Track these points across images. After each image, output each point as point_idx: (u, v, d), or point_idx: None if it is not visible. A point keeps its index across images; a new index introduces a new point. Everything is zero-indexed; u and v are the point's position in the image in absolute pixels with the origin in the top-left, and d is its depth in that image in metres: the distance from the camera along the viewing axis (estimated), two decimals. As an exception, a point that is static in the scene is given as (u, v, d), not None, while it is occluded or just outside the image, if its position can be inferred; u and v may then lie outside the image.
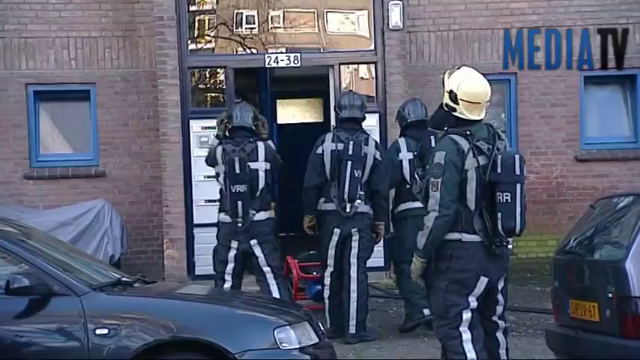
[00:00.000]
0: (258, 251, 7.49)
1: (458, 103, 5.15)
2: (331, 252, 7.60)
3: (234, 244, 7.49)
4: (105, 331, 4.97)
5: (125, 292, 5.41)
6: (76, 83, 10.29)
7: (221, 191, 7.60)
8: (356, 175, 7.49)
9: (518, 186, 5.05)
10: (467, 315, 5.12)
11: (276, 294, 7.42)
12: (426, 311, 7.76)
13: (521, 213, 5.03)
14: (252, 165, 7.47)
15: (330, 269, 7.66)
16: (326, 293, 7.69)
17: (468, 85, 5.18)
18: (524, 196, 5.06)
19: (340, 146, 7.53)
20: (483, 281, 5.10)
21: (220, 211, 7.61)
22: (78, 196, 10.09)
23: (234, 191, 7.37)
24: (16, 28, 10.19)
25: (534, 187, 10.41)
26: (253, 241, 7.47)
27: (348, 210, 7.49)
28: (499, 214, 5.01)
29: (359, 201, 7.51)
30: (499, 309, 5.30)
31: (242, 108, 7.80)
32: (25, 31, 10.20)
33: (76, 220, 9.50)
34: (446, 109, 5.22)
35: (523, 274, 9.91)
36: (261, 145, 7.62)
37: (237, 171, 7.37)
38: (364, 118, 7.86)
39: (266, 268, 7.51)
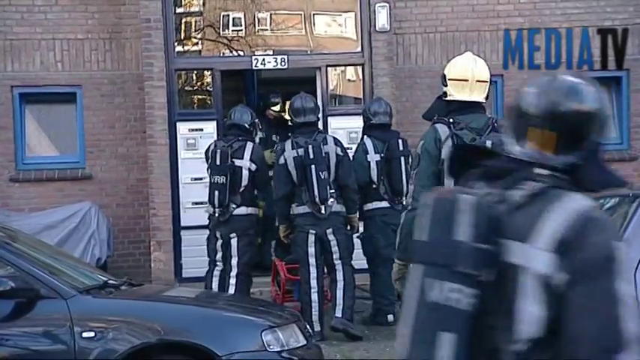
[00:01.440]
0: (233, 242, 7.87)
1: (447, 85, 4.77)
2: (311, 250, 7.67)
3: (218, 234, 7.93)
4: (92, 334, 4.96)
5: (112, 295, 5.40)
6: (62, 85, 10.24)
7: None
8: (322, 177, 7.59)
9: None
10: None
11: (231, 287, 7.80)
12: (390, 317, 8.12)
13: None
14: (237, 162, 7.88)
15: (314, 272, 7.67)
16: (315, 297, 7.68)
17: (455, 63, 4.86)
18: None
19: (301, 151, 7.63)
20: None
21: (208, 202, 8.02)
22: (64, 199, 10.04)
23: (213, 181, 7.87)
24: (1, 30, 10.13)
25: (521, 189, 10.45)
26: (232, 234, 7.86)
27: (323, 212, 7.61)
28: None
29: (332, 200, 7.63)
30: None
31: (240, 109, 8.30)
32: (11, 33, 10.14)
33: (62, 222, 9.46)
34: (441, 99, 4.86)
35: None
36: (249, 145, 7.96)
37: (218, 162, 7.84)
38: (318, 119, 8.02)
39: (234, 260, 7.86)
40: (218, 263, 7.96)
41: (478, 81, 4.72)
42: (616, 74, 10.60)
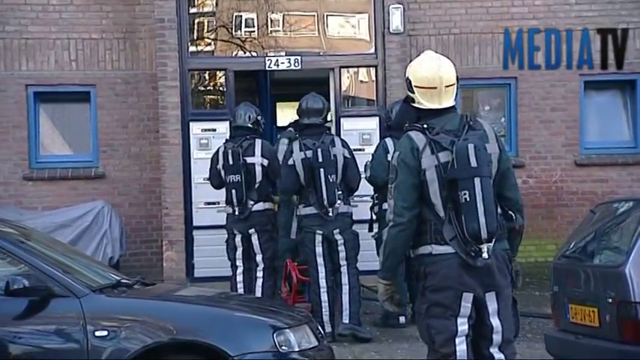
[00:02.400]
0: (254, 238, 8.01)
1: (414, 92, 4.42)
2: (319, 249, 7.73)
3: (236, 231, 8.04)
4: (104, 333, 4.97)
5: (125, 294, 5.40)
6: (76, 85, 10.28)
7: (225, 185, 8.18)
8: (331, 180, 7.64)
9: (477, 180, 4.16)
10: (461, 347, 4.24)
11: (258, 291, 7.95)
12: (402, 319, 8.14)
13: (486, 213, 4.15)
14: (249, 159, 8.03)
15: (322, 271, 7.71)
16: (324, 297, 7.70)
17: (420, 68, 4.43)
18: (490, 192, 4.21)
19: (309, 153, 7.66)
20: (468, 298, 4.24)
21: (225, 203, 8.17)
22: (77, 198, 10.08)
23: (229, 181, 8.01)
24: (17, 29, 10.18)
25: (533, 192, 10.43)
26: (251, 230, 8.00)
27: (330, 214, 7.66)
28: (462, 217, 4.18)
29: (339, 201, 7.68)
30: (496, 338, 4.31)
31: (243, 107, 8.36)
32: (26, 32, 10.19)
33: (75, 221, 9.50)
34: (408, 103, 4.52)
35: (522, 278, 9.90)
36: (258, 142, 8.12)
37: (231, 162, 7.99)
38: (325, 121, 8.00)
39: (258, 257, 8.02)
40: (238, 264, 8.07)
41: (447, 86, 4.38)
42: (631, 77, 10.56)
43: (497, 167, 4.38)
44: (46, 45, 10.21)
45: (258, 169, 8.02)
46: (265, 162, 8.05)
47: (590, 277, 5.69)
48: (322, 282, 7.70)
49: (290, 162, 7.72)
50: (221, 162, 8.08)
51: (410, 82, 4.44)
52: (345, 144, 7.92)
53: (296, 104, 14.68)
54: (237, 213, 7.97)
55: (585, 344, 5.58)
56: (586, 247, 6.03)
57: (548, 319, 7.09)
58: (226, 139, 8.40)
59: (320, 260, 7.70)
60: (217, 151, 8.23)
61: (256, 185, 8.02)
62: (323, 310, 7.68)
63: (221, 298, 6.05)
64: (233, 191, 7.96)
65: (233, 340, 5.00)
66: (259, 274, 8.01)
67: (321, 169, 7.59)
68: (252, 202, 7.99)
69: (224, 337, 5.01)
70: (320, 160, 7.59)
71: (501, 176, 4.41)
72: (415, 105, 4.43)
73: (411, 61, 9.67)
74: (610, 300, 5.31)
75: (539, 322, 8.21)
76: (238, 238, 8.03)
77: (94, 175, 10.27)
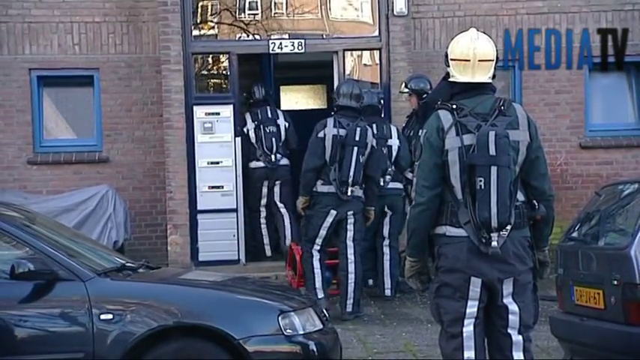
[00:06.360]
0: (277, 190, 9.65)
1: (449, 65, 4.46)
2: (322, 232, 7.81)
3: (265, 183, 9.64)
4: (109, 316, 4.98)
5: (129, 278, 5.41)
6: (80, 68, 10.26)
7: (252, 144, 9.72)
8: (360, 161, 7.72)
9: (494, 169, 4.17)
10: (469, 328, 4.30)
11: (287, 228, 9.54)
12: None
13: (498, 202, 4.16)
14: (276, 120, 9.80)
15: (319, 242, 7.81)
16: (317, 264, 7.82)
17: (457, 42, 4.49)
18: (507, 182, 4.21)
19: (342, 132, 7.74)
20: (476, 282, 4.27)
21: (251, 160, 9.69)
22: (81, 182, 10.09)
23: (268, 131, 9.68)
24: (20, 13, 10.16)
25: (538, 174, 10.40)
26: (278, 181, 9.65)
27: (348, 194, 7.71)
28: (476, 203, 4.21)
29: (356, 185, 7.74)
30: (513, 318, 4.33)
31: (260, 85, 10.17)
32: (29, 16, 10.16)
33: (79, 205, 9.50)
34: (446, 79, 4.56)
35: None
36: (279, 110, 9.98)
37: (269, 116, 9.75)
38: (360, 108, 8.08)
39: (280, 204, 9.66)
40: (262, 209, 9.74)
41: (480, 60, 4.38)
42: (636, 59, 10.50)
43: (525, 155, 4.39)
44: (49, 29, 10.18)
45: (283, 129, 9.77)
46: (287, 125, 9.80)
47: (595, 260, 5.68)
48: (315, 251, 7.81)
49: (320, 135, 7.79)
50: (252, 124, 9.66)
51: (447, 56, 4.49)
52: (374, 134, 8.08)
53: (300, 87, 14.73)
54: (271, 161, 9.55)
55: (590, 326, 5.58)
56: (591, 229, 6.02)
57: (553, 301, 7.09)
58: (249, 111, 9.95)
59: (322, 232, 7.80)
60: (245, 124, 9.76)
61: (281, 143, 9.70)
62: (315, 276, 7.76)
63: (226, 281, 6.06)
64: (273, 139, 9.62)
65: (238, 323, 5.01)
66: (286, 221, 9.57)
67: (355, 148, 7.72)
68: (279, 156, 9.64)
69: (229, 320, 5.02)
70: (357, 139, 7.74)
71: (529, 164, 4.41)
72: (450, 80, 4.45)
73: (414, 44, 9.57)
74: (615, 282, 5.31)
75: (544, 304, 8.13)
76: (264, 191, 9.63)
77: (97, 159, 10.27)
